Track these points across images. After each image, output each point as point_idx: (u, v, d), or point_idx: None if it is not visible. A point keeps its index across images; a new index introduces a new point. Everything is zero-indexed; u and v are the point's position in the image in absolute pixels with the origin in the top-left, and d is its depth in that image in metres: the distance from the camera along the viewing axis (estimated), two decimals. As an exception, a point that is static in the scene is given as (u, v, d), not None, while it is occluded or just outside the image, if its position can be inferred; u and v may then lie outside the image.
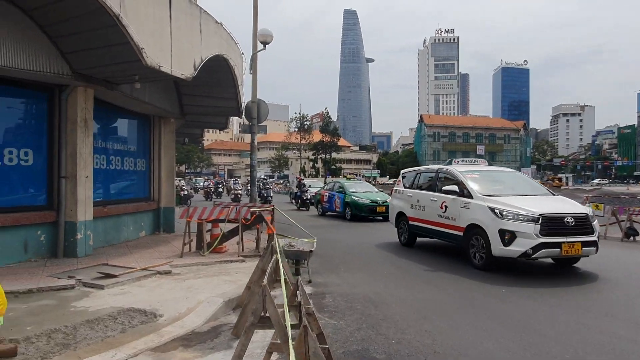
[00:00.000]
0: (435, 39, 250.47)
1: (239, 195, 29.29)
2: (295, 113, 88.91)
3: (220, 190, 35.22)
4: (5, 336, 4.56)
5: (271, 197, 27.34)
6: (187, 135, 18.05)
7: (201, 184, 41.16)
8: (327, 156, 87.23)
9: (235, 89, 11.34)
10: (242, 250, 9.14)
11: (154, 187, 12.01)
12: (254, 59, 13.39)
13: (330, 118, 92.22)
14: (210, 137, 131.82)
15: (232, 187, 32.91)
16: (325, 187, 21.79)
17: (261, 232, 9.53)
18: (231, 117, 16.03)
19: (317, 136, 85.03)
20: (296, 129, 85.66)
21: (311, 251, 7.29)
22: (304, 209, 23.88)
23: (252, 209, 9.46)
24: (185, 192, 27.40)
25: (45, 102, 8.21)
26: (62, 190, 8.17)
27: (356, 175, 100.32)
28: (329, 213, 20.14)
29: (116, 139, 10.45)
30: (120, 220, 10.16)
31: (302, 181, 26.27)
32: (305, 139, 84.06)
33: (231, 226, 9.30)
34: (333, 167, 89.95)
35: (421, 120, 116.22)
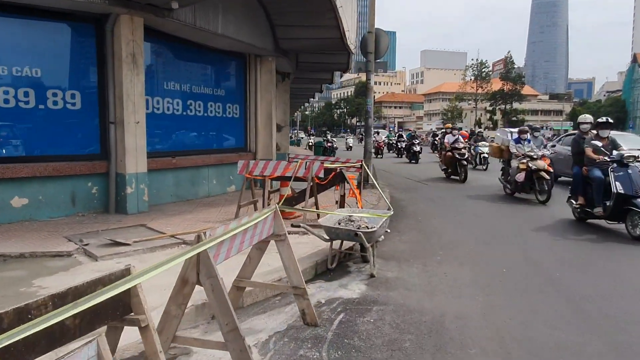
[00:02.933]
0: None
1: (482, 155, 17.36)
2: (472, 60, 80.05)
3: (417, 149, 21.57)
4: None
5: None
6: (313, 80, 16.37)
7: (382, 137, 30.22)
8: (507, 107, 77.82)
9: (333, 13, 8.94)
10: (317, 217, 7.09)
11: (250, 137, 10.64)
12: (370, -23, 10.67)
13: (514, 64, 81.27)
14: (382, 89, 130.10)
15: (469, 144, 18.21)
16: None
17: (342, 195, 7.28)
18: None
19: (496, 85, 76.08)
20: (472, 77, 77.79)
21: (371, 232, 4.82)
22: None
23: (328, 165, 7.25)
24: (331, 144, 26.24)
25: (92, 37, 7.17)
26: (112, 138, 7.18)
27: (543, 127, 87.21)
28: None
29: (196, 80, 9.18)
30: (199, 174, 9.02)
31: None
32: (482, 88, 75.95)
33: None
34: (514, 118, 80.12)
35: (634, 60, 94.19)
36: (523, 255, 5.92)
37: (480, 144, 18.30)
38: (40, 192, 6.67)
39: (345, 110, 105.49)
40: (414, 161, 21.29)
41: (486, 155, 17.32)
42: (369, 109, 11.14)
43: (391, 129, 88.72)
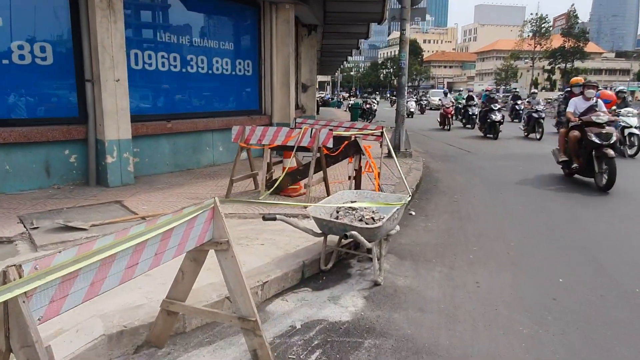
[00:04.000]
0: None
1: None
2: (531, 14, 73.54)
3: (497, 118, 14.91)
4: None
5: None
6: (346, 35, 14.74)
7: (449, 100, 20.02)
8: (568, 65, 71.81)
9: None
10: (327, 194, 5.90)
11: (265, 97, 9.41)
12: None
13: (578, 18, 74.20)
14: (431, 47, 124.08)
15: None
16: None
17: (357, 169, 6.00)
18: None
19: (557, 41, 70.04)
20: (530, 34, 71.95)
21: (373, 229, 3.55)
22: None
23: (340, 133, 5.96)
24: (370, 106, 24.53)
25: (63, -23, 6.06)
26: (89, 99, 6.17)
27: (607, 87, 79.93)
28: None
29: (197, 33, 7.98)
30: (201, 140, 7.94)
31: None
32: (541, 45, 70.17)
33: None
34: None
35: None
36: (589, 256, 4.48)
37: (622, 111, 11.07)
38: (6, 161, 5.80)
39: (392, 70, 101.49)
40: (491, 135, 15.10)
41: (636, 131, 10.70)
42: (403, 64, 9.58)
43: (440, 90, 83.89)
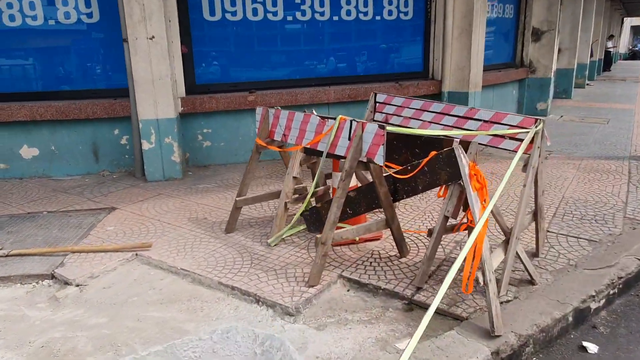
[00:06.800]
0: None
1: None
2: None
3: None
4: None
5: None
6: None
7: None
8: None
9: None
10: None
11: (434, 53, 6.22)
12: None
13: None
14: None
15: None
16: None
17: (450, 215, 2.65)
18: None
19: None
20: None
21: None
22: None
23: (415, 131, 2.70)
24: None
25: None
26: (127, 65, 4.69)
27: None
28: None
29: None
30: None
31: None
32: None
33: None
34: None
35: None
36: None
37: None
38: (51, 141, 4.98)
39: None
40: None
41: None
42: None
43: None
